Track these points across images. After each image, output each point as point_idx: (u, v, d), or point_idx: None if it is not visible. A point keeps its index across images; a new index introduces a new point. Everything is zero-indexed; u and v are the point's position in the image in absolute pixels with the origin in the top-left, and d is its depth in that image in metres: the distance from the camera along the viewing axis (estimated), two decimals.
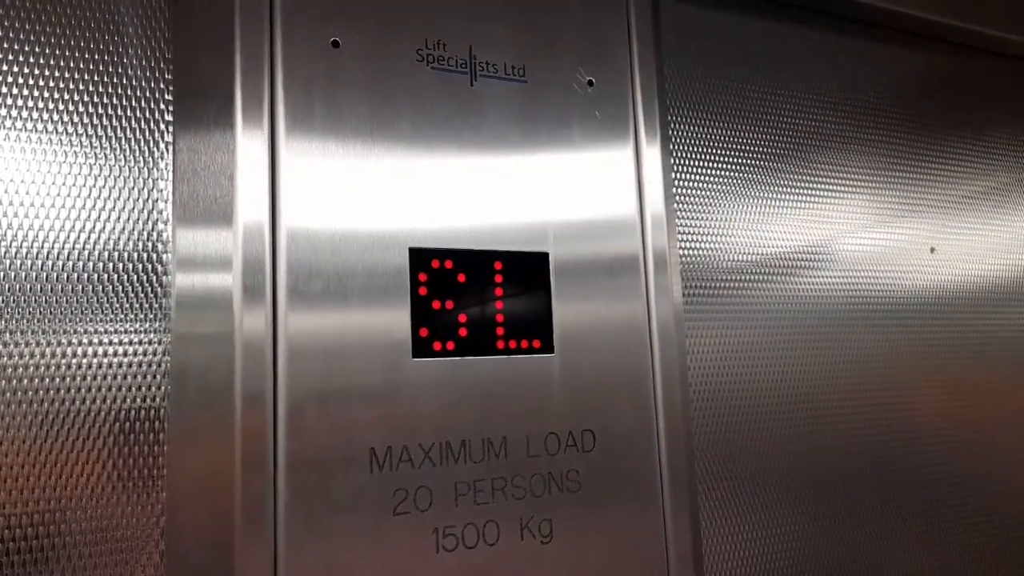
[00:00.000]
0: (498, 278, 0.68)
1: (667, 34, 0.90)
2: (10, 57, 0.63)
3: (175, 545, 0.63)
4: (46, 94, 0.64)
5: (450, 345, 0.65)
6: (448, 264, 0.65)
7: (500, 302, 0.67)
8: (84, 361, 0.63)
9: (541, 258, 0.70)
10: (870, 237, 1.05)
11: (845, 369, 1.00)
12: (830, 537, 0.95)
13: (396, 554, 0.60)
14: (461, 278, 0.66)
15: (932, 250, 1.10)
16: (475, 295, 0.66)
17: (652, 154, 0.77)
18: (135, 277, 0.65)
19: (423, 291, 0.64)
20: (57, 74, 0.64)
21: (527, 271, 0.69)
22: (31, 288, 0.62)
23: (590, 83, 0.75)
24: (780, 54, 1.02)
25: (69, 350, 0.62)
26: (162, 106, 0.67)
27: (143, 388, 0.64)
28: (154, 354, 0.65)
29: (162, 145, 0.67)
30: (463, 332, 0.65)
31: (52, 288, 0.62)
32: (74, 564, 0.61)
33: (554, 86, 0.73)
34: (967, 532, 1.06)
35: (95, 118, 0.65)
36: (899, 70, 1.13)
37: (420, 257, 0.64)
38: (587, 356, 0.70)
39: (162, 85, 0.67)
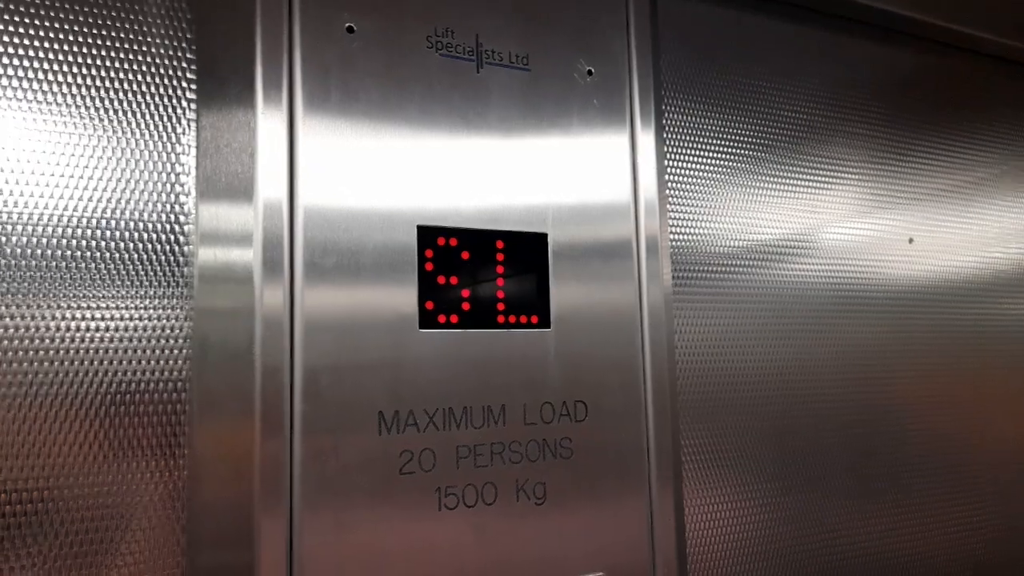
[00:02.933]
0: (500, 256, 0.72)
1: (664, 27, 0.94)
2: (40, 35, 0.66)
3: (197, 507, 0.67)
4: (74, 70, 0.67)
5: (454, 318, 0.69)
6: (453, 242, 0.69)
7: (501, 279, 0.71)
8: (108, 332, 0.66)
9: (540, 238, 0.74)
10: (853, 227, 1.10)
11: (828, 354, 1.05)
12: (809, 514, 1.00)
13: (401, 511, 0.65)
14: (465, 255, 0.70)
15: (911, 240, 1.15)
16: (478, 271, 0.70)
17: (646, 141, 0.81)
18: (158, 248, 0.68)
19: (429, 267, 0.68)
20: (84, 51, 0.67)
21: (527, 250, 0.73)
22: (57, 260, 0.65)
23: (589, 72, 0.78)
24: (772, 48, 1.06)
25: (93, 323, 0.65)
26: (184, 84, 0.70)
27: (166, 358, 0.67)
28: (177, 327, 0.68)
29: (184, 122, 0.70)
30: (466, 306, 0.70)
31: (77, 260, 0.65)
32: (98, 536, 0.64)
33: (555, 75, 0.76)
34: (942, 513, 1.12)
35: (120, 94, 0.68)
36: (884, 66, 1.17)
37: (427, 235, 0.68)
38: (581, 333, 0.75)
39: (184, 64, 0.70)
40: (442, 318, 0.68)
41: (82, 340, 0.65)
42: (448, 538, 0.66)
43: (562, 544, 0.72)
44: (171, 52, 0.70)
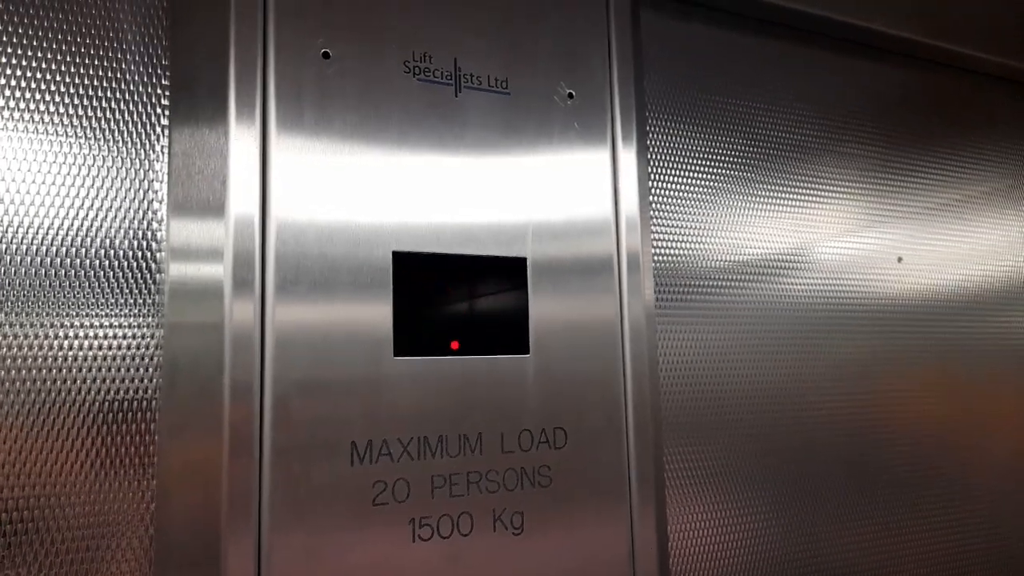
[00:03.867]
0: (477, 281, 0.71)
1: (648, 47, 0.94)
2: (15, 56, 0.65)
3: (164, 531, 0.66)
4: (49, 89, 0.66)
5: (430, 345, 0.68)
6: (430, 267, 0.69)
7: (478, 304, 0.71)
8: (78, 351, 0.65)
9: (519, 263, 0.73)
10: (840, 245, 1.09)
11: (814, 372, 1.04)
12: (796, 535, 0.99)
13: (374, 542, 0.63)
14: (442, 281, 0.69)
15: (899, 259, 1.14)
16: (455, 298, 0.70)
17: (628, 161, 0.81)
18: (130, 267, 0.68)
19: (405, 292, 0.67)
20: (59, 74, 0.67)
21: (505, 276, 0.72)
22: (27, 278, 0.64)
23: (570, 95, 0.78)
24: (758, 67, 1.06)
25: (64, 341, 0.65)
26: (159, 107, 0.70)
27: (135, 378, 0.67)
28: (147, 345, 0.68)
29: (158, 146, 0.69)
30: (442, 333, 0.69)
31: (48, 279, 0.65)
32: (66, 550, 0.64)
33: (535, 98, 0.76)
34: (932, 530, 1.10)
35: (92, 111, 0.68)
36: (872, 85, 1.17)
37: (403, 261, 0.67)
38: (561, 356, 0.74)
39: (159, 89, 0.70)
40: (418, 345, 0.67)
41: (52, 356, 0.64)
42: (422, 570, 0.65)
43: (541, 573, 0.70)
44: (145, 77, 0.69)
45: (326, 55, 0.66)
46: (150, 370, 0.67)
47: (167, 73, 0.70)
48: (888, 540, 1.07)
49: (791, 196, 1.06)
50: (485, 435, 0.69)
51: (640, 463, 0.77)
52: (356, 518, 0.63)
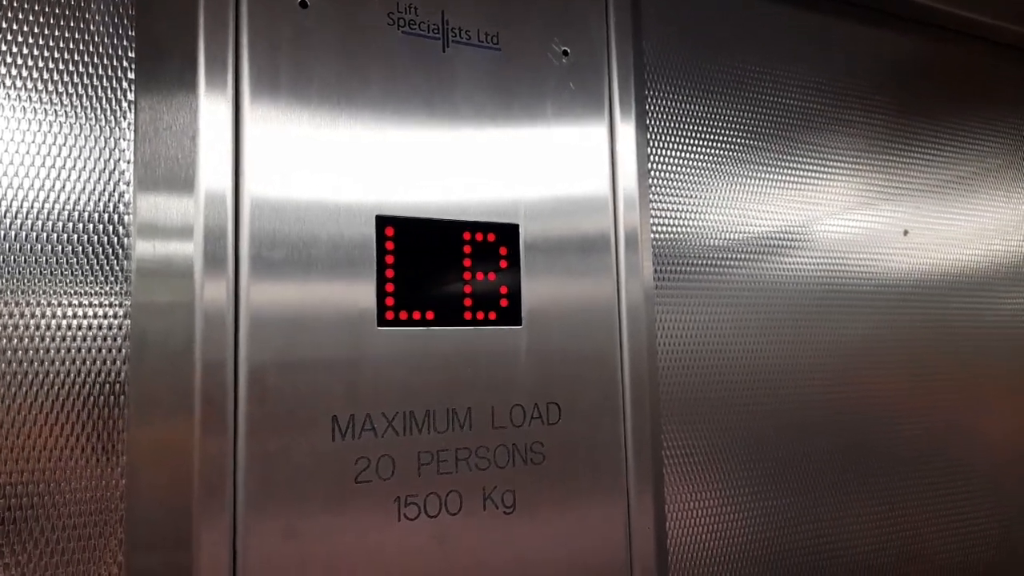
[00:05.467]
0: (467, 248, 0.67)
1: (647, 6, 0.89)
2: None
3: (135, 510, 0.63)
4: (3, 48, 0.62)
5: (416, 315, 0.64)
6: (416, 233, 0.65)
7: (468, 272, 0.67)
8: (44, 325, 0.62)
9: (511, 229, 0.69)
10: (846, 220, 1.06)
11: (817, 351, 1.01)
12: (794, 513, 0.96)
13: (357, 522, 0.60)
14: (429, 247, 0.65)
15: (905, 232, 1.11)
16: (443, 265, 0.66)
17: (626, 130, 0.77)
18: (95, 240, 0.64)
19: (389, 259, 0.63)
20: (15, 28, 0.62)
21: (497, 242, 0.68)
22: None
23: (565, 53, 0.74)
24: (762, 32, 1.01)
25: (28, 314, 0.61)
26: (125, 64, 0.65)
27: (103, 353, 0.63)
28: (115, 319, 0.64)
29: (124, 105, 0.65)
30: (430, 302, 0.65)
31: (11, 252, 0.61)
32: (33, 529, 0.60)
33: (528, 55, 0.72)
34: (935, 511, 1.08)
35: (55, 74, 0.63)
36: (881, 53, 1.12)
37: (386, 225, 0.64)
38: (555, 330, 0.70)
39: (125, 43, 0.65)
40: (403, 315, 0.64)
41: (17, 335, 0.60)
42: (408, 550, 0.62)
43: (533, 554, 0.67)
44: (111, 31, 0.65)
45: (303, 4, 0.62)
46: (119, 343, 0.64)
47: (133, 25, 0.66)
48: (890, 522, 1.04)
49: (795, 169, 1.02)
50: (475, 410, 0.66)
51: (637, 442, 0.74)
52: (338, 496, 0.60)
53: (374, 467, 0.61)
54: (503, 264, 0.69)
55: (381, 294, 0.63)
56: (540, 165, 0.72)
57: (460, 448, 0.65)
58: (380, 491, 0.61)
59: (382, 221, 0.63)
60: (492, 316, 0.67)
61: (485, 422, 0.66)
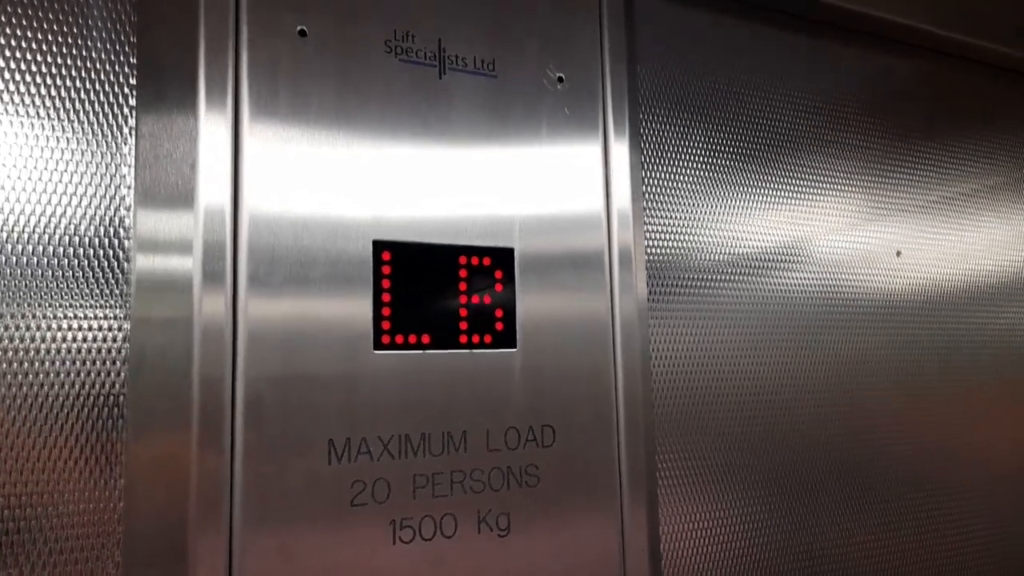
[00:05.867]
0: (462, 273, 0.68)
1: (642, 31, 0.90)
2: None
3: (132, 529, 0.63)
4: (7, 75, 0.63)
5: (412, 338, 0.65)
6: (412, 257, 0.66)
7: (464, 296, 0.68)
8: (44, 344, 0.62)
9: (506, 253, 0.70)
10: (839, 239, 1.07)
11: (811, 369, 1.01)
12: (789, 533, 0.97)
13: (352, 544, 0.61)
14: (425, 272, 0.66)
15: (898, 254, 1.12)
16: (439, 289, 0.67)
17: (620, 151, 0.78)
18: (96, 257, 0.64)
19: (386, 283, 0.64)
20: (19, 55, 0.63)
21: (492, 266, 0.69)
22: None
23: (560, 79, 0.75)
24: (755, 55, 1.03)
25: (28, 333, 0.62)
26: (126, 90, 0.66)
27: (103, 372, 0.64)
28: (114, 339, 0.64)
29: (125, 129, 0.66)
30: (426, 326, 0.66)
31: (12, 270, 0.62)
32: (29, 548, 0.60)
33: (523, 81, 0.73)
34: (929, 529, 1.08)
35: (58, 100, 0.64)
36: (874, 74, 1.14)
37: (383, 249, 0.64)
38: (549, 352, 0.71)
39: (127, 69, 0.66)
40: (399, 339, 0.64)
41: (15, 350, 0.61)
42: (403, 573, 0.62)
43: (528, 575, 0.68)
44: (112, 57, 0.66)
45: (302, 33, 0.63)
46: (117, 364, 0.64)
47: (135, 52, 0.67)
48: (885, 540, 1.04)
49: (788, 189, 1.03)
50: (470, 433, 0.66)
51: (631, 461, 0.74)
52: (333, 519, 0.60)
53: (370, 490, 0.62)
54: (498, 287, 0.69)
55: (377, 318, 0.63)
56: (535, 186, 0.73)
57: (455, 471, 0.65)
58: (375, 514, 0.62)
59: (379, 246, 0.64)
60: (487, 339, 0.68)
61: (480, 445, 0.67)
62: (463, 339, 0.67)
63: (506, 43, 0.72)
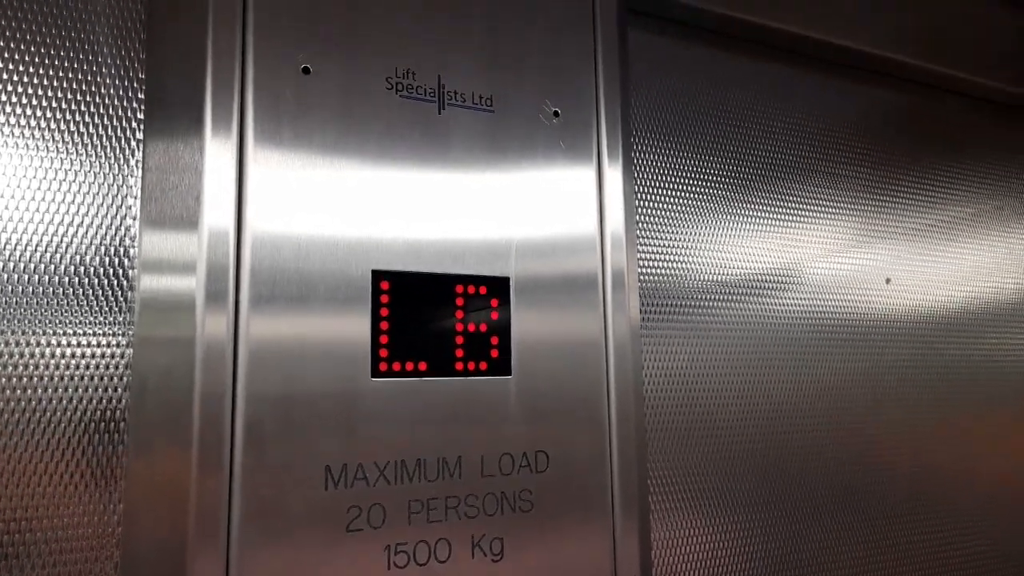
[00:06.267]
0: (459, 301, 0.69)
1: (635, 64, 0.93)
2: None
3: (130, 551, 0.64)
4: (20, 108, 0.65)
5: (409, 366, 0.66)
6: (410, 286, 0.67)
7: (460, 324, 0.69)
8: (48, 364, 0.64)
9: (502, 283, 0.72)
10: (827, 265, 1.09)
11: (802, 392, 1.03)
12: (779, 553, 0.98)
13: (347, 570, 0.62)
14: (422, 300, 0.68)
15: (888, 281, 1.14)
16: (435, 318, 0.68)
17: (614, 178, 0.80)
18: (100, 283, 0.66)
19: (384, 312, 0.66)
20: (32, 90, 0.65)
21: (488, 295, 0.71)
22: None
23: (556, 114, 0.77)
24: (745, 86, 1.06)
25: (34, 352, 0.63)
26: (134, 124, 0.68)
27: (106, 392, 0.65)
28: (119, 358, 0.66)
29: (132, 161, 0.68)
30: (423, 353, 0.67)
31: (19, 290, 0.63)
32: (28, 572, 0.61)
33: (520, 116, 0.75)
34: (921, 549, 1.09)
35: (67, 133, 0.66)
36: (861, 105, 1.17)
37: (382, 279, 0.66)
38: (544, 377, 0.73)
39: (135, 103, 0.68)
40: (396, 366, 0.66)
41: (19, 373, 0.62)
42: None
43: None
44: (121, 92, 0.68)
45: (306, 70, 0.65)
46: (119, 387, 0.66)
47: (143, 87, 0.69)
48: (874, 560, 1.06)
49: (778, 215, 1.05)
50: (464, 459, 0.68)
51: (624, 484, 0.76)
52: (330, 544, 0.61)
53: (365, 516, 0.63)
54: (494, 316, 0.71)
55: (376, 345, 0.65)
56: (530, 214, 0.75)
57: (450, 496, 0.67)
58: (371, 539, 0.63)
59: (378, 275, 0.66)
60: (483, 366, 0.70)
61: (475, 471, 0.68)
62: (459, 366, 0.69)
63: (504, 79, 0.75)
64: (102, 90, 0.67)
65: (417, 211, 0.69)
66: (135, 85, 0.69)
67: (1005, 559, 1.18)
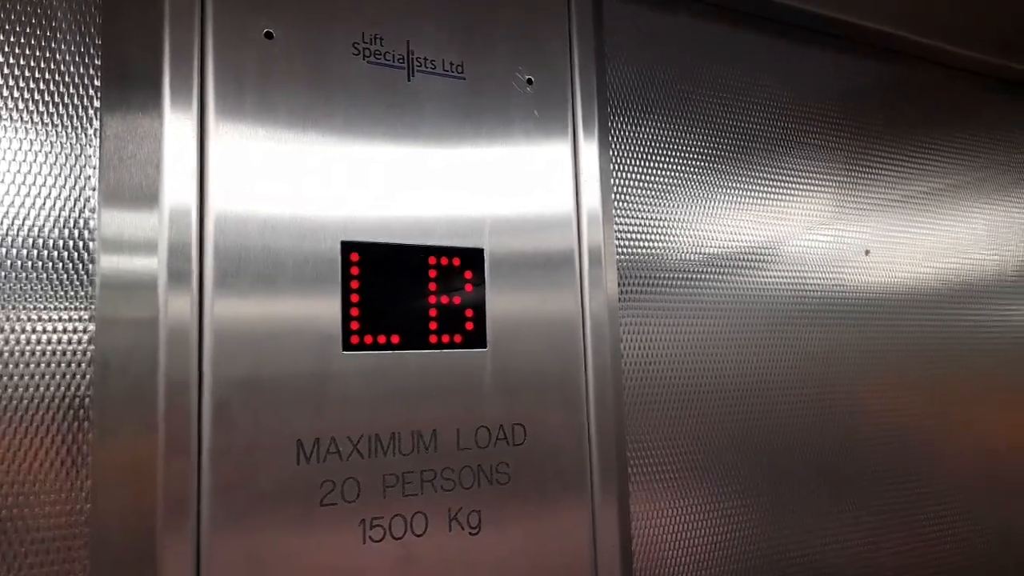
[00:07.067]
0: (432, 272, 0.68)
1: (610, 34, 0.91)
2: None
3: (99, 534, 0.63)
4: None
5: (381, 339, 0.65)
6: (381, 258, 0.66)
7: (433, 296, 0.68)
8: (8, 347, 0.62)
9: (476, 254, 0.71)
10: (808, 238, 1.08)
11: (782, 366, 1.03)
12: (760, 528, 0.98)
13: (322, 545, 0.61)
14: (394, 272, 0.67)
15: (867, 252, 1.14)
16: (408, 290, 0.67)
17: (590, 152, 0.79)
18: (60, 258, 0.64)
19: (355, 284, 0.65)
20: None
21: (461, 266, 0.70)
22: None
23: (529, 81, 0.76)
24: (725, 57, 1.04)
25: None
26: (91, 91, 0.66)
27: (68, 375, 0.63)
28: (79, 341, 0.64)
29: (90, 130, 0.66)
30: (395, 326, 0.66)
31: None
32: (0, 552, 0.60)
33: (493, 84, 0.73)
34: (901, 523, 1.10)
35: (20, 101, 0.64)
36: (840, 76, 1.16)
37: (351, 250, 0.65)
38: (519, 351, 0.72)
39: (91, 71, 0.66)
40: (368, 339, 0.65)
41: None
42: (374, 572, 0.62)
43: (500, 573, 0.68)
44: (77, 59, 0.66)
45: (269, 35, 0.63)
46: (83, 366, 0.64)
47: (99, 54, 0.66)
48: (858, 531, 1.06)
49: (758, 188, 1.05)
50: (440, 432, 0.67)
51: (602, 459, 0.75)
52: (303, 519, 0.60)
53: (339, 490, 0.62)
54: (468, 288, 0.70)
55: (346, 318, 0.64)
56: (505, 186, 0.73)
57: (425, 470, 0.66)
58: (345, 514, 0.62)
59: (347, 247, 0.65)
60: (457, 339, 0.69)
61: (451, 444, 0.67)
62: (433, 339, 0.68)
63: (475, 45, 0.73)
64: (57, 56, 0.65)
65: (388, 183, 0.67)
66: (92, 52, 0.66)
67: (1002, 534, 1.19)
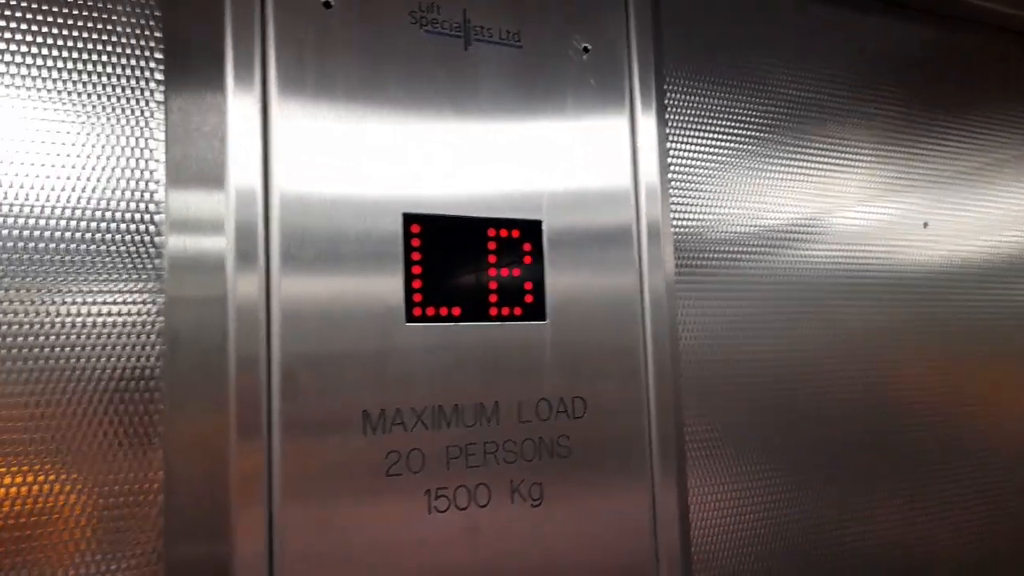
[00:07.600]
0: (491, 245, 0.68)
1: (667, 2, 0.89)
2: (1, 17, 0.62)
3: (173, 503, 0.64)
4: (35, 51, 0.63)
5: (443, 311, 0.65)
6: (441, 230, 0.65)
7: (493, 269, 0.68)
8: (79, 321, 0.63)
9: (534, 226, 0.70)
10: (865, 211, 1.05)
11: (838, 341, 1.01)
12: (817, 505, 0.97)
13: (389, 514, 0.61)
14: (454, 244, 0.66)
15: (925, 225, 1.10)
16: (468, 262, 0.67)
17: (647, 124, 0.77)
18: (128, 238, 0.65)
19: (416, 256, 0.64)
20: (46, 31, 0.64)
21: (520, 238, 0.69)
22: (25, 249, 0.62)
23: (585, 50, 0.74)
24: (782, 25, 1.01)
25: (63, 310, 0.62)
26: (152, 64, 0.66)
27: (137, 348, 0.64)
28: (148, 315, 0.65)
29: (153, 103, 0.66)
30: (456, 298, 0.66)
31: (45, 248, 0.62)
32: (72, 524, 0.62)
33: (549, 52, 0.72)
34: (954, 501, 1.08)
35: (84, 75, 0.64)
36: (898, 44, 1.12)
37: (413, 223, 0.64)
38: (579, 324, 0.71)
39: (152, 43, 0.66)
40: (431, 311, 0.64)
41: (53, 333, 0.62)
42: (439, 542, 0.63)
43: (560, 545, 0.68)
44: (138, 32, 0.66)
45: (327, 4, 0.63)
46: (152, 338, 0.65)
47: (160, 26, 0.67)
48: (911, 508, 1.04)
49: (814, 160, 1.02)
50: (502, 404, 0.67)
51: (661, 433, 0.75)
52: (370, 489, 0.61)
53: (404, 460, 0.62)
54: (527, 259, 0.69)
55: (409, 290, 0.64)
56: (562, 159, 0.72)
57: (488, 442, 0.66)
58: (411, 484, 0.62)
59: (409, 219, 0.64)
60: (517, 312, 0.68)
61: (512, 416, 0.67)
62: (493, 311, 0.67)
63: (530, 14, 0.72)
64: (118, 29, 0.65)
65: (446, 156, 0.67)
66: (152, 24, 0.66)
67: None
